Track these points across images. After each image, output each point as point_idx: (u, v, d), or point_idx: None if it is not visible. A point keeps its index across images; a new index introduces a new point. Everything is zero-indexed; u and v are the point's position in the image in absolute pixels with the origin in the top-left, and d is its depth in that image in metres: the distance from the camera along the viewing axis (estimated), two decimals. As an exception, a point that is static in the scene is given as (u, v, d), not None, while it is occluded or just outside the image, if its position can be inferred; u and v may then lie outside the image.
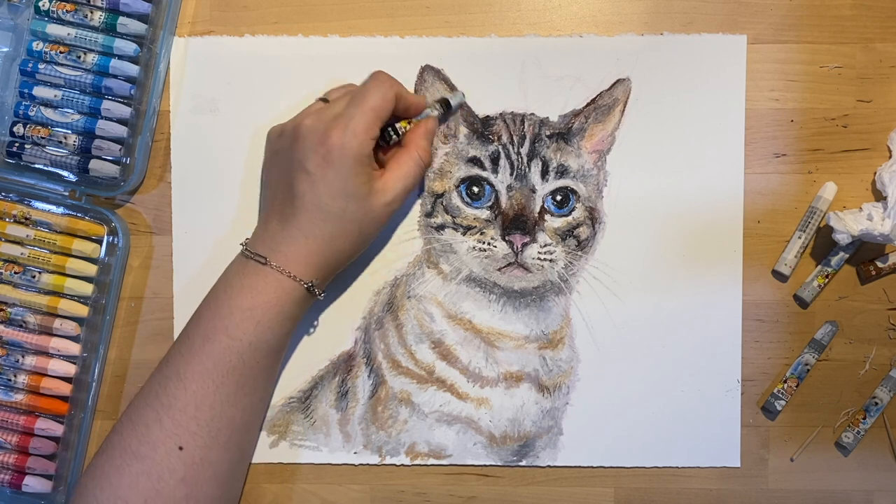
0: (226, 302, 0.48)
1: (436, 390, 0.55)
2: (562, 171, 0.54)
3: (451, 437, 0.55)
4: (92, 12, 0.53)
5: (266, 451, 0.55)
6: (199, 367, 0.47)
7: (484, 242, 0.54)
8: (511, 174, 0.54)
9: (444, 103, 0.53)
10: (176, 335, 0.55)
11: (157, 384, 0.47)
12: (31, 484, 0.54)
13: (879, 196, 0.53)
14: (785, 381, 0.54)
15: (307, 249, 0.48)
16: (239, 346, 0.47)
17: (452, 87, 0.54)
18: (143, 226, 0.56)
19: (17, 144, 0.54)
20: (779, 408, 0.54)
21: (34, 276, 0.54)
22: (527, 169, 0.54)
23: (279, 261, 0.48)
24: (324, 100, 0.51)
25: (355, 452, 0.55)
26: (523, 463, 0.55)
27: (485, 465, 0.55)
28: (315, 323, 0.55)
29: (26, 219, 0.54)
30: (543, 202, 0.54)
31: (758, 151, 0.54)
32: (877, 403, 0.54)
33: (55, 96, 0.54)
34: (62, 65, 0.54)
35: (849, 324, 0.55)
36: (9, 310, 0.54)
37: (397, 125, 0.51)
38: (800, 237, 0.54)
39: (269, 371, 0.50)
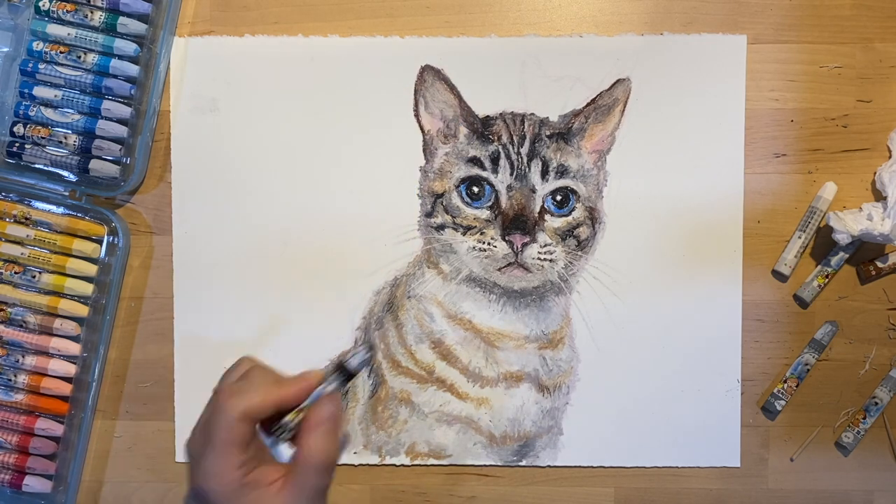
0: None
1: (436, 390, 0.55)
2: (562, 171, 0.54)
3: (451, 437, 0.55)
4: (92, 12, 0.53)
5: (266, 451, 0.55)
6: None
7: (484, 242, 0.54)
8: (511, 174, 0.54)
9: (341, 370, 0.41)
10: (176, 335, 0.55)
11: None
12: (32, 484, 0.54)
13: (879, 196, 0.53)
14: (785, 381, 0.54)
15: None
16: None
17: (452, 87, 0.54)
18: (143, 226, 0.56)
19: (17, 144, 0.54)
20: (779, 408, 0.54)
21: (34, 276, 0.54)
22: (527, 169, 0.54)
23: None
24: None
25: (355, 452, 0.55)
26: (523, 463, 0.55)
27: (485, 465, 0.55)
28: (315, 323, 0.55)
29: (26, 219, 0.54)
30: (543, 202, 0.54)
31: (758, 151, 0.54)
32: (877, 403, 0.54)
33: (55, 96, 0.54)
34: (62, 65, 0.54)
35: (849, 324, 0.55)
36: (9, 310, 0.54)
37: (284, 420, 0.40)
38: (800, 237, 0.54)
39: None
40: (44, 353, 0.54)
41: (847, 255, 0.54)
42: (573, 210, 0.54)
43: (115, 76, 0.54)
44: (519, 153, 0.54)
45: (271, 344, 0.55)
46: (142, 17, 0.54)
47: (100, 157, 0.54)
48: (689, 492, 0.55)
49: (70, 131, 0.54)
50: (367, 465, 0.55)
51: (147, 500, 0.56)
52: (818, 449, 0.55)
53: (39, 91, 0.54)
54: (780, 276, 0.55)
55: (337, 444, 0.40)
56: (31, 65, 0.54)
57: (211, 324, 0.55)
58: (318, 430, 0.40)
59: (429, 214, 0.55)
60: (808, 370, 0.54)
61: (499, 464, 0.55)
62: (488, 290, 0.55)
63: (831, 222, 0.51)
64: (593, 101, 0.54)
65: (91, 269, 0.54)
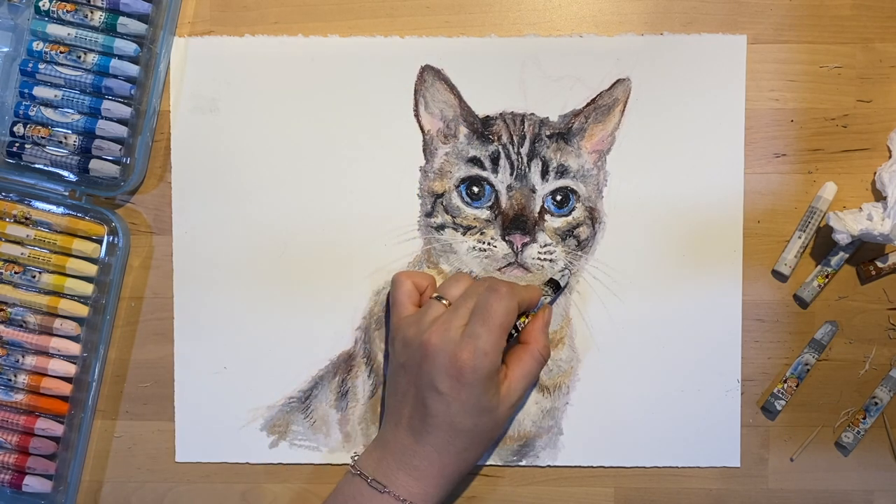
0: None
1: (436, 390, 0.55)
2: (562, 171, 0.54)
3: (451, 437, 0.55)
4: (92, 12, 0.53)
5: (266, 451, 0.55)
6: None
7: (484, 242, 0.54)
8: (511, 174, 0.54)
9: (553, 284, 0.53)
10: (176, 335, 0.55)
11: None
12: (32, 484, 0.54)
13: (879, 196, 0.53)
14: (785, 381, 0.54)
15: (440, 464, 0.48)
16: None
17: (452, 87, 0.54)
18: (143, 226, 0.56)
19: (17, 144, 0.54)
20: (779, 408, 0.54)
21: (34, 276, 0.54)
22: (527, 169, 0.54)
23: (403, 483, 0.47)
24: (440, 298, 0.50)
25: (355, 452, 0.55)
26: (523, 463, 0.55)
27: (485, 465, 0.55)
28: (315, 323, 0.55)
29: (26, 219, 0.54)
30: (543, 202, 0.54)
31: (758, 151, 0.54)
32: (876, 403, 0.54)
33: (55, 96, 0.54)
34: (62, 65, 0.54)
35: (849, 324, 0.55)
36: (9, 310, 0.54)
37: (517, 322, 0.50)
38: (800, 237, 0.54)
39: None
40: (44, 353, 0.54)
41: (847, 255, 0.54)
42: (573, 210, 0.54)
43: (115, 76, 0.54)
44: (519, 153, 0.54)
45: (271, 344, 0.55)
46: (142, 17, 0.54)
47: (100, 157, 0.54)
48: (689, 492, 0.55)
49: (70, 131, 0.54)
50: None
51: (147, 500, 0.56)
52: (818, 449, 0.55)
53: (39, 91, 0.54)
54: (780, 276, 0.55)
55: (549, 346, 0.52)
56: (31, 65, 0.54)
57: (211, 324, 0.55)
58: (543, 328, 0.51)
59: (429, 214, 0.55)
60: (809, 370, 0.54)
61: (499, 464, 0.55)
62: (488, 290, 0.55)
63: (831, 222, 0.51)
64: (593, 101, 0.54)
65: (91, 269, 0.54)
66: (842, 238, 0.51)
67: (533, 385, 0.54)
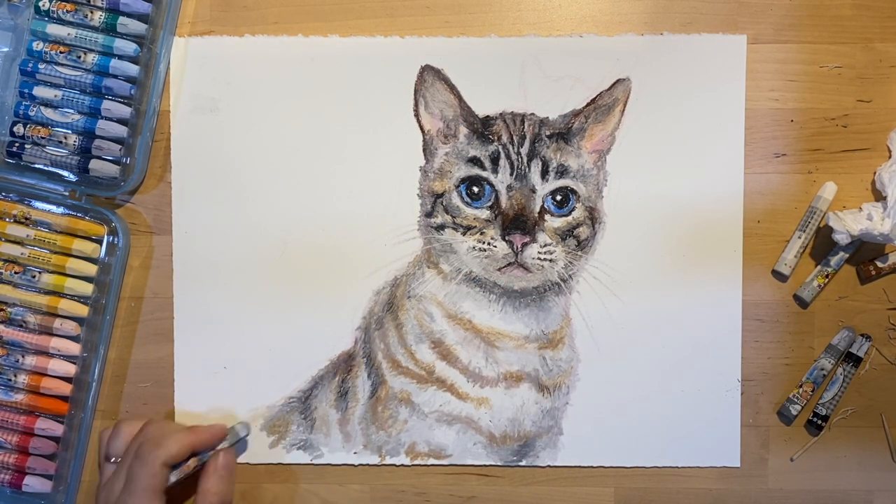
0: None
1: (436, 390, 0.55)
2: (562, 171, 0.54)
3: (451, 436, 0.55)
4: (92, 12, 0.53)
5: (266, 451, 0.55)
6: None
7: (484, 242, 0.54)
8: (511, 174, 0.54)
9: (231, 432, 0.51)
10: (176, 335, 0.55)
11: None
12: (32, 484, 0.54)
13: (879, 196, 0.53)
14: (800, 386, 0.54)
15: None
16: None
17: (452, 87, 0.54)
18: (143, 226, 0.56)
19: (17, 144, 0.54)
20: (794, 412, 0.54)
21: (34, 276, 0.54)
22: (527, 169, 0.54)
23: None
24: (114, 461, 0.50)
25: (355, 452, 0.55)
26: (523, 463, 0.55)
27: (485, 465, 0.55)
28: (315, 323, 0.55)
29: (26, 219, 0.54)
30: (543, 202, 0.54)
31: (758, 151, 0.54)
32: (824, 375, 0.54)
33: (55, 96, 0.54)
34: (62, 65, 0.54)
35: (848, 324, 0.55)
36: (9, 310, 0.54)
37: (182, 465, 0.49)
38: (800, 237, 0.54)
39: None
40: (44, 353, 0.54)
41: (847, 255, 0.54)
42: (573, 210, 0.54)
43: (115, 76, 0.54)
44: (519, 153, 0.54)
45: (271, 344, 0.55)
46: (142, 17, 0.54)
47: (100, 157, 0.54)
48: (689, 492, 0.55)
49: (70, 131, 0.54)
50: (367, 465, 0.55)
51: (147, 500, 0.56)
52: (818, 449, 0.55)
53: (39, 91, 0.54)
54: (780, 276, 0.55)
55: (232, 489, 0.49)
56: (31, 65, 0.54)
57: (211, 324, 0.55)
58: (216, 474, 0.49)
59: (429, 214, 0.55)
60: (825, 375, 0.54)
61: (499, 464, 0.55)
62: (488, 290, 0.55)
63: (831, 222, 0.51)
64: (593, 101, 0.54)
65: (91, 269, 0.54)
66: (841, 238, 0.51)
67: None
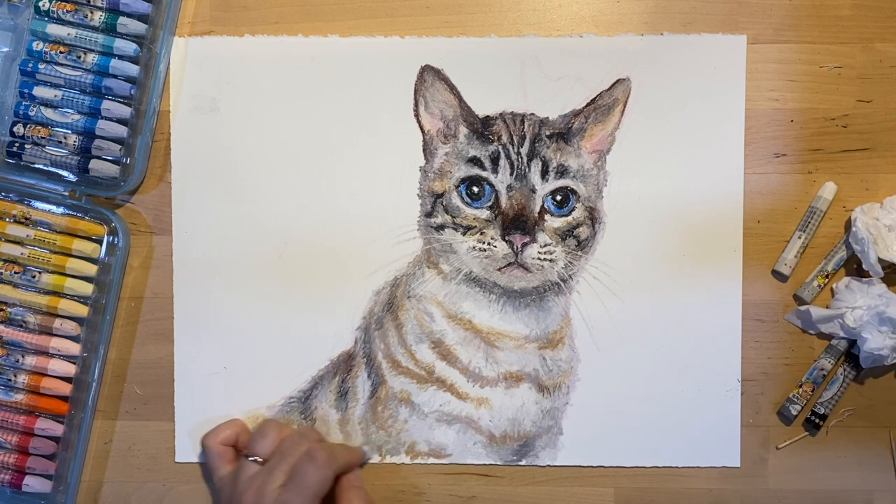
0: None
1: (436, 390, 0.55)
2: (562, 171, 0.54)
3: (451, 436, 0.55)
4: (92, 12, 0.53)
5: (266, 451, 0.55)
6: None
7: (484, 242, 0.54)
8: (511, 174, 0.54)
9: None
10: (176, 335, 0.55)
11: None
12: (31, 484, 0.54)
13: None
14: (800, 386, 0.54)
15: None
16: None
17: (452, 87, 0.54)
18: (143, 226, 0.56)
19: (17, 144, 0.54)
20: (794, 412, 0.54)
21: (34, 276, 0.54)
22: (527, 169, 0.54)
23: None
24: (254, 459, 0.50)
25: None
26: (523, 462, 0.55)
27: (485, 465, 0.55)
28: (315, 323, 0.55)
29: (26, 219, 0.54)
30: (543, 202, 0.54)
31: (758, 151, 0.54)
32: (824, 375, 0.54)
33: (55, 96, 0.54)
34: (62, 65, 0.54)
35: (849, 324, 0.55)
36: (9, 310, 0.54)
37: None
38: (800, 237, 0.54)
39: None
40: (44, 353, 0.54)
41: (847, 256, 0.54)
42: (573, 210, 0.54)
43: (115, 76, 0.54)
44: (519, 153, 0.54)
45: (271, 344, 0.55)
46: (142, 17, 0.54)
47: (100, 157, 0.54)
48: (689, 492, 0.55)
49: (70, 131, 0.54)
50: (367, 464, 0.55)
51: (147, 500, 0.56)
52: (818, 449, 0.55)
53: (39, 91, 0.54)
54: (780, 276, 0.55)
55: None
56: (31, 65, 0.54)
57: (211, 324, 0.55)
58: (355, 491, 0.51)
59: (429, 214, 0.55)
60: (825, 375, 0.54)
61: (499, 463, 0.55)
62: (488, 290, 0.55)
63: (856, 216, 0.52)
64: (593, 101, 0.54)
65: (91, 269, 0.54)
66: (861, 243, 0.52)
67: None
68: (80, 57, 0.53)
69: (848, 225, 0.54)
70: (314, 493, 0.48)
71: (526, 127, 0.54)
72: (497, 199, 0.54)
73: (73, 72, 0.54)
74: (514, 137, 0.54)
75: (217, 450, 0.52)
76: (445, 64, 0.54)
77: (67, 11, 0.53)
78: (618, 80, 0.54)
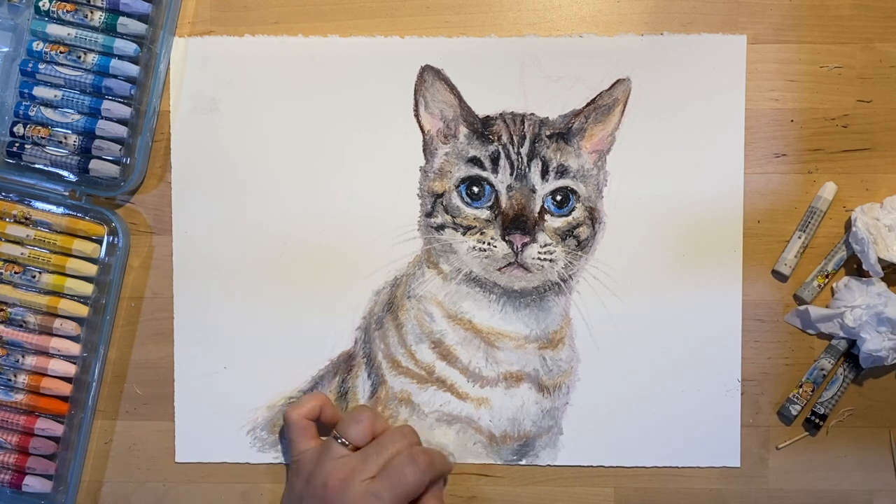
0: None
1: (436, 390, 0.55)
2: (562, 171, 0.54)
3: (451, 436, 0.55)
4: (92, 12, 0.53)
5: (266, 452, 0.55)
6: None
7: (484, 242, 0.54)
8: (511, 174, 0.54)
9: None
10: (176, 335, 0.55)
11: None
12: (32, 484, 0.54)
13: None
14: (800, 387, 0.54)
15: None
16: None
17: (452, 87, 0.54)
18: (143, 226, 0.56)
19: (17, 144, 0.54)
20: (794, 413, 0.54)
21: (34, 276, 0.54)
22: (527, 169, 0.54)
23: None
24: (343, 442, 0.49)
25: (355, 452, 0.55)
26: (523, 462, 0.55)
27: (485, 465, 0.55)
28: (315, 323, 0.55)
29: (26, 219, 0.54)
30: (543, 202, 0.54)
31: (758, 151, 0.54)
32: (824, 375, 0.54)
33: (55, 96, 0.54)
34: (62, 65, 0.54)
35: (849, 324, 0.55)
36: (9, 310, 0.54)
37: None
38: (800, 237, 0.54)
39: None
40: (44, 353, 0.54)
41: (847, 256, 0.54)
42: (573, 210, 0.54)
43: (115, 76, 0.54)
44: (519, 153, 0.54)
45: (271, 344, 0.55)
46: (142, 17, 0.54)
47: (100, 157, 0.54)
48: (689, 492, 0.55)
49: (70, 131, 0.54)
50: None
51: (147, 500, 0.56)
52: (818, 449, 0.55)
53: (39, 91, 0.54)
54: (780, 276, 0.55)
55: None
56: (31, 65, 0.54)
57: (211, 324, 0.55)
58: (438, 496, 0.51)
59: (429, 214, 0.55)
60: (825, 375, 0.54)
61: (499, 463, 0.55)
62: (488, 290, 0.55)
63: (856, 216, 0.52)
64: (593, 101, 0.54)
65: (91, 269, 0.54)
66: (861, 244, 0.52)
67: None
68: (80, 57, 0.53)
69: (848, 225, 0.54)
70: (407, 494, 0.47)
71: (526, 127, 0.54)
72: (497, 199, 0.54)
73: (73, 72, 0.54)
74: (514, 137, 0.54)
75: (301, 423, 0.51)
76: (445, 64, 0.54)
77: (67, 11, 0.53)
78: (618, 80, 0.54)
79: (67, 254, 0.54)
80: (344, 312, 0.55)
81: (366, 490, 0.47)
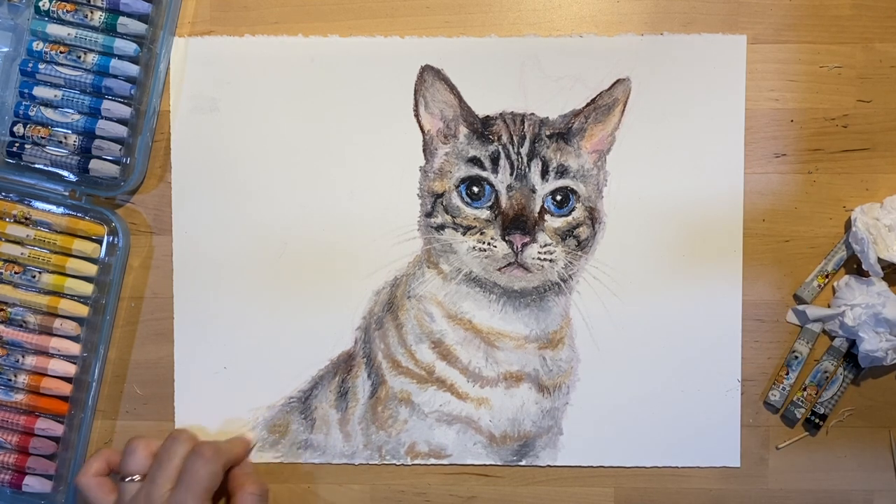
0: None
1: (436, 390, 0.55)
2: (562, 171, 0.54)
3: (451, 436, 0.55)
4: (92, 12, 0.53)
5: (266, 451, 0.55)
6: None
7: (484, 242, 0.54)
8: (511, 174, 0.54)
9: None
10: (176, 335, 0.55)
11: None
12: (32, 484, 0.54)
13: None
14: (804, 389, 0.54)
15: None
16: None
17: (452, 87, 0.54)
18: (143, 226, 0.56)
19: (17, 144, 0.54)
20: (798, 415, 0.54)
21: (34, 276, 0.54)
22: (527, 169, 0.54)
23: None
24: (130, 479, 0.49)
25: (355, 452, 0.55)
26: (523, 463, 0.55)
27: (485, 465, 0.55)
28: (315, 323, 0.55)
29: (26, 219, 0.54)
30: (543, 202, 0.54)
31: (758, 151, 0.54)
32: (797, 357, 0.54)
33: (55, 96, 0.54)
34: (62, 65, 0.54)
35: (849, 324, 0.55)
36: (9, 310, 0.54)
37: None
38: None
39: None
40: (44, 353, 0.54)
41: (847, 255, 0.54)
42: (573, 210, 0.54)
43: (115, 76, 0.54)
44: (519, 153, 0.54)
45: (271, 344, 0.55)
46: (142, 17, 0.54)
47: (100, 157, 0.54)
48: (689, 492, 0.55)
49: (70, 131, 0.54)
50: (367, 464, 0.55)
51: (147, 500, 0.56)
52: (818, 449, 0.55)
53: (39, 91, 0.54)
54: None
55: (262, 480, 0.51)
56: (31, 65, 0.54)
57: (211, 324, 0.55)
58: (251, 472, 0.52)
59: (429, 214, 0.55)
60: (828, 377, 0.54)
61: (499, 463, 0.55)
62: (488, 290, 0.55)
63: (855, 216, 0.52)
64: (593, 101, 0.54)
65: (91, 269, 0.54)
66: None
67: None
68: (80, 57, 0.53)
69: (848, 225, 0.54)
70: (205, 489, 0.47)
71: (526, 127, 0.54)
72: (497, 199, 0.54)
73: (73, 72, 0.54)
74: (514, 137, 0.54)
75: (93, 482, 0.50)
76: (445, 64, 0.54)
77: (67, 11, 0.53)
78: (618, 80, 0.54)
79: (67, 254, 0.54)
80: (344, 312, 0.55)
81: (168, 503, 0.47)
